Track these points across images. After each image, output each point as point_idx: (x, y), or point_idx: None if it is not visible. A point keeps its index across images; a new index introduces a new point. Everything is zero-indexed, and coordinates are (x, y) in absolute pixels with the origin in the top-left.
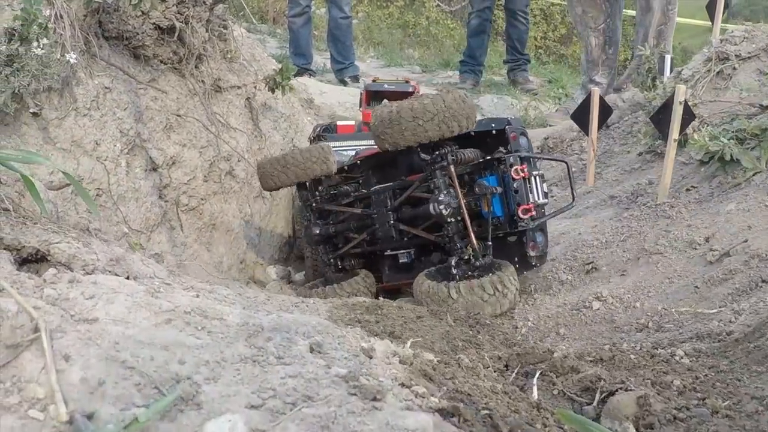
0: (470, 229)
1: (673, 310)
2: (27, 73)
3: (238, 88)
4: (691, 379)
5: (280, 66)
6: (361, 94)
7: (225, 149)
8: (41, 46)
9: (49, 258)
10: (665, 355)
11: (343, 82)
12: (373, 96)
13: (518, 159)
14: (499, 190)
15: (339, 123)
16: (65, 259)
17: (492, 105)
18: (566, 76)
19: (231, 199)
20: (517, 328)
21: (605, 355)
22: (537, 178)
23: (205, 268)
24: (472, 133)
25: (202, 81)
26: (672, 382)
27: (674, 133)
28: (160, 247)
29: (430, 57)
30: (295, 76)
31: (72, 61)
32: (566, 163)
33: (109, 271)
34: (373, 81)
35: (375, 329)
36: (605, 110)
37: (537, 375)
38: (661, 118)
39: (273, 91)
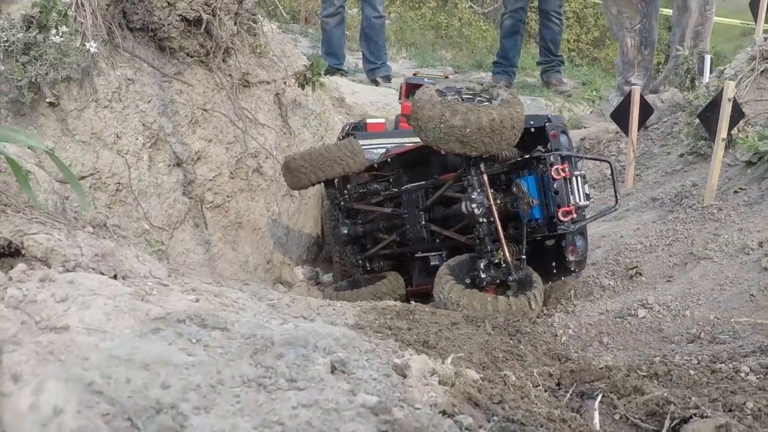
0: (501, 232)
1: (732, 320)
2: (44, 61)
3: (267, 83)
4: (765, 401)
5: (310, 62)
6: (401, 86)
7: (252, 145)
8: (60, 34)
9: (23, 251)
10: (728, 371)
11: (375, 82)
12: (413, 89)
13: (559, 158)
14: (536, 202)
15: (369, 121)
16: (41, 253)
17: (526, 106)
18: (600, 78)
19: (258, 197)
20: (556, 336)
21: (659, 370)
22: (578, 178)
23: (229, 267)
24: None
25: (230, 75)
26: (744, 404)
27: (722, 132)
28: (183, 246)
29: (463, 58)
30: (326, 74)
31: (92, 50)
32: (609, 163)
33: (93, 269)
34: (414, 75)
35: (407, 338)
36: (646, 109)
37: (598, 398)
38: (708, 116)
39: (303, 87)
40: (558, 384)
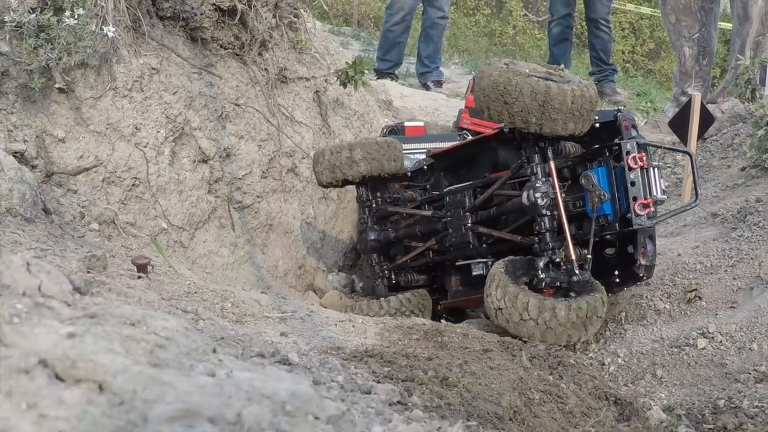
0: (565, 225)
1: None
2: (57, 45)
3: (307, 80)
4: None
5: (353, 60)
6: (470, 81)
7: (288, 144)
8: (75, 16)
9: None
10: None
11: (426, 87)
12: None
13: (636, 146)
14: (607, 196)
15: (407, 124)
16: None
17: None
18: (655, 90)
19: (292, 199)
20: (604, 365)
21: (729, 422)
22: (656, 170)
23: (256, 272)
24: (597, 125)
25: (266, 69)
26: None
27: None
28: (205, 247)
29: None
30: (377, 78)
31: (110, 34)
32: (689, 154)
33: None
34: None
35: (421, 375)
36: (706, 118)
37: None
38: None
39: (345, 85)
40: None
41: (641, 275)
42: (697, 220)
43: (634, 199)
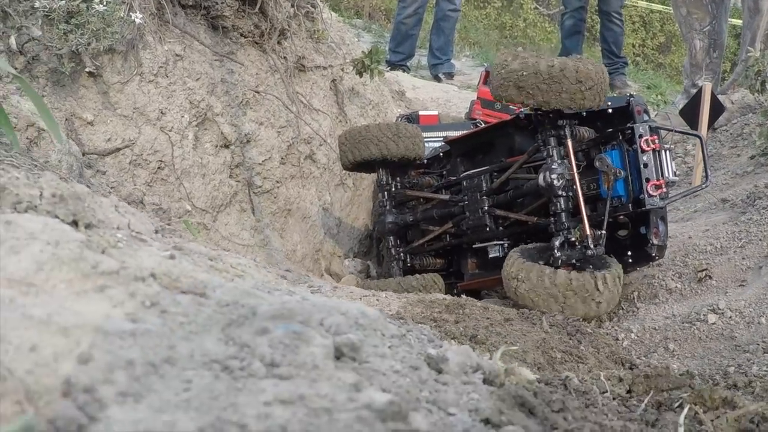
0: (583, 208)
1: None
2: (86, 30)
3: (324, 69)
4: None
5: (369, 49)
6: (481, 73)
7: (306, 131)
8: (104, 3)
9: None
10: None
11: (437, 79)
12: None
13: (648, 129)
14: (623, 174)
15: (422, 113)
16: None
17: None
18: (665, 83)
19: (309, 185)
20: (618, 340)
21: (739, 380)
22: (668, 152)
23: (275, 255)
24: (583, 113)
25: (285, 58)
26: None
27: None
28: (227, 230)
29: None
30: (390, 70)
31: (137, 21)
32: (700, 137)
33: (48, 212)
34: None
35: (452, 330)
36: (717, 107)
37: (685, 410)
38: None
39: (361, 74)
40: (629, 391)
41: (654, 255)
42: (708, 206)
43: (647, 180)
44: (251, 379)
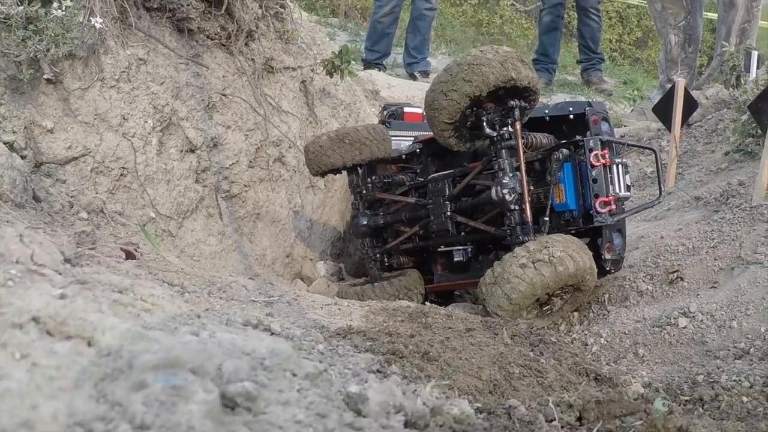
0: (527, 214)
1: None
2: (45, 36)
3: (293, 70)
4: None
5: (339, 49)
6: None
7: (274, 134)
8: (62, 8)
9: None
10: None
11: (413, 77)
12: None
13: (599, 143)
14: (565, 152)
15: (407, 110)
16: None
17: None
18: (642, 78)
19: (279, 188)
20: (587, 345)
21: (705, 394)
22: (619, 167)
23: (244, 260)
24: (546, 118)
25: (252, 59)
26: None
27: None
28: (193, 236)
29: None
30: (365, 68)
31: (97, 25)
32: (654, 150)
33: None
34: None
35: (401, 350)
36: (690, 104)
37: None
38: (760, 107)
39: (331, 75)
40: (580, 418)
41: (608, 269)
42: (681, 204)
43: (596, 196)
44: None
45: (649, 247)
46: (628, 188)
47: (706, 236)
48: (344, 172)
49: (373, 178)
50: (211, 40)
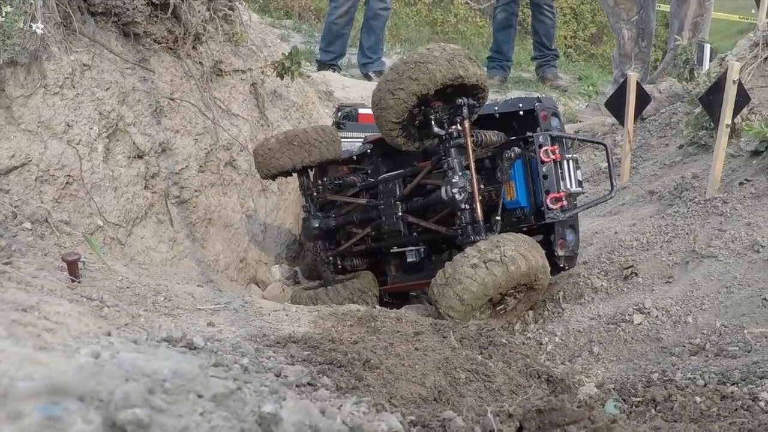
0: (478, 213)
1: (744, 330)
2: None
3: (243, 72)
4: None
5: (289, 51)
6: None
7: (225, 137)
8: (2, 14)
9: None
10: (742, 397)
11: (368, 77)
12: None
13: (549, 139)
14: (517, 150)
15: (361, 111)
16: None
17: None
18: (597, 73)
19: (231, 192)
20: (542, 344)
21: (658, 395)
22: (570, 162)
23: (197, 266)
24: (497, 115)
25: (200, 63)
26: None
27: (726, 117)
28: (143, 243)
29: None
30: (318, 69)
31: (39, 32)
32: (605, 145)
33: None
34: None
35: (340, 359)
36: (643, 98)
37: None
38: (711, 99)
39: (281, 76)
40: (520, 429)
41: (561, 265)
42: (635, 199)
43: (547, 192)
44: None
45: (604, 242)
46: (579, 184)
47: (661, 231)
48: (294, 175)
49: (324, 179)
50: (158, 44)
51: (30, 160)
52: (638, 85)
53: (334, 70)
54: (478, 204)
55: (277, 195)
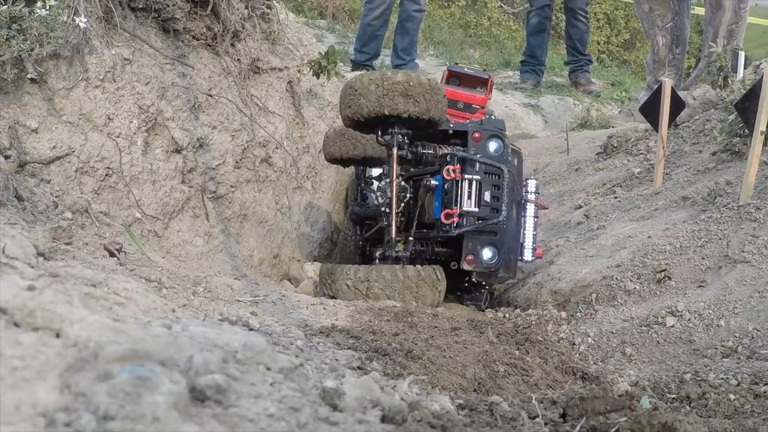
0: (393, 219)
1: None
2: (29, 35)
3: (280, 70)
4: None
5: (326, 50)
6: (443, 72)
7: (261, 134)
8: (46, 7)
9: None
10: None
11: None
12: (453, 75)
13: (455, 159)
14: (434, 183)
15: None
16: None
17: (553, 106)
18: (629, 79)
19: (266, 189)
20: (574, 345)
21: (692, 392)
22: (472, 183)
23: (231, 261)
24: (451, 131)
25: (238, 60)
26: None
27: (762, 124)
28: (179, 237)
29: (491, 57)
30: (352, 69)
31: (81, 25)
32: (502, 169)
33: None
34: (456, 64)
35: (384, 347)
36: (677, 104)
37: None
38: (746, 106)
39: (317, 75)
40: (563, 415)
41: (473, 279)
42: (668, 204)
43: (444, 207)
44: None
45: (637, 246)
46: (478, 204)
47: (694, 235)
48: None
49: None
50: (197, 40)
51: (71, 152)
52: (673, 91)
53: (368, 71)
54: (394, 215)
55: (310, 193)
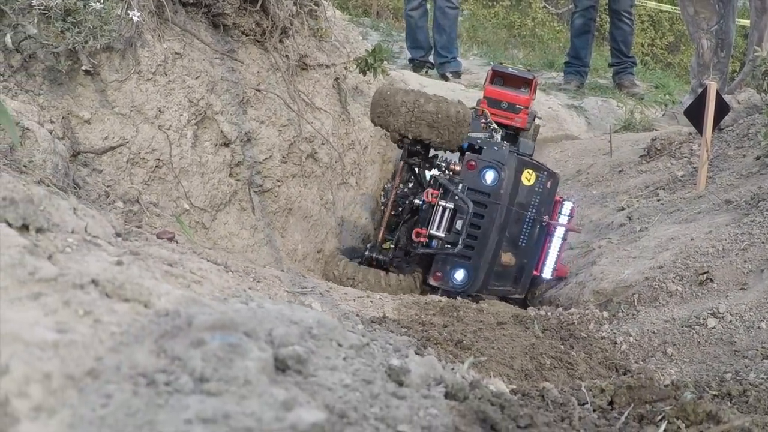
0: (384, 220)
1: None
2: (84, 28)
3: (327, 67)
4: None
5: (373, 47)
6: (488, 72)
7: (308, 130)
8: (101, 1)
9: None
10: None
11: (444, 77)
12: (497, 75)
13: (437, 183)
14: (418, 202)
15: None
16: None
17: (596, 108)
18: (673, 82)
19: (311, 184)
20: (616, 344)
21: (733, 389)
22: (446, 210)
23: (275, 254)
24: (476, 146)
25: (286, 56)
26: None
27: None
28: (226, 229)
29: (535, 58)
30: (414, 69)
31: (135, 19)
32: (468, 204)
33: None
34: (500, 63)
35: (436, 336)
36: (722, 108)
37: (663, 425)
38: None
39: (364, 73)
40: (611, 403)
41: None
42: (711, 207)
43: (416, 226)
44: (176, 395)
45: (679, 248)
46: (448, 230)
47: (736, 239)
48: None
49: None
50: (246, 35)
51: (124, 143)
52: (718, 94)
53: (429, 68)
54: (386, 220)
55: (355, 189)
